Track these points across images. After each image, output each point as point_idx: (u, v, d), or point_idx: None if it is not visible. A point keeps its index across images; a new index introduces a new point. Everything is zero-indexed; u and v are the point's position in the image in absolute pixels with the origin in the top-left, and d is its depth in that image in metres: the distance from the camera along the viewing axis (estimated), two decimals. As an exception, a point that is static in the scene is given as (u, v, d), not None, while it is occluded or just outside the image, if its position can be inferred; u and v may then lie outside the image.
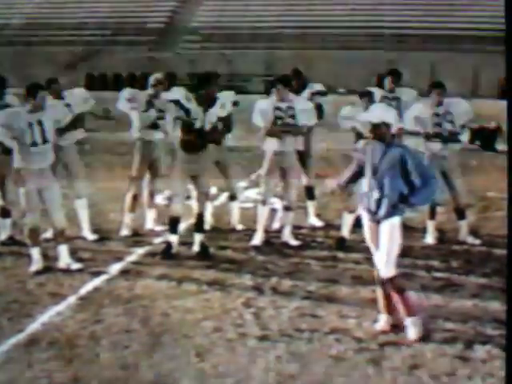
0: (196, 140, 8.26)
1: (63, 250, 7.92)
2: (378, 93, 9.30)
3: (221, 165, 9.37)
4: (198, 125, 8.19)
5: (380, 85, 9.72)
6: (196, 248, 8.37)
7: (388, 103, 9.26)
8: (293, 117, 8.61)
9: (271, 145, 8.70)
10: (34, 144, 7.56)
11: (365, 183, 6.16)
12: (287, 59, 24.64)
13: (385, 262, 6.05)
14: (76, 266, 7.89)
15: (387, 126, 6.06)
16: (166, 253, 8.29)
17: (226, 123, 9.10)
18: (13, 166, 7.72)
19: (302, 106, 8.75)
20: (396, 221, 6.04)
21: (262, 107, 8.66)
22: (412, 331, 6.00)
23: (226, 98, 8.74)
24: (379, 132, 6.06)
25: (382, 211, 6.03)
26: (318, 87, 9.70)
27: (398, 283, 6.11)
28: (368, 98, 8.68)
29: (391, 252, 6.04)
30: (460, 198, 8.81)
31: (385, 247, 6.04)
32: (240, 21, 32.05)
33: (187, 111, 8.18)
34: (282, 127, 8.58)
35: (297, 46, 29.37)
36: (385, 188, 5.99)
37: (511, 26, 4.18)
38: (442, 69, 26.00)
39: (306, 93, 9.48)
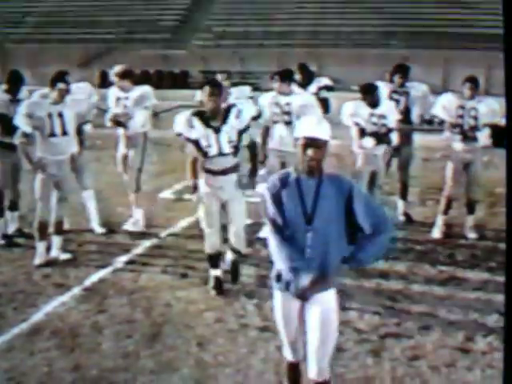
0: (217, 170, 6.70)
1: (56, 241, 8.00)
2: (387, 88, 9.26)
3: None
4: (212, 152, 6.59)
5: (392, 81, 9.68)
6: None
7: (397, 98, 9.26)
8: (288, 114, 8.38)
9: (271, 142, 8.67)
10: (53, 135, 7.69)
11: (287, 240, 4.13)
12: (300, 56, 24.55)
13: (319, 357, 4.25)
14: (64, 256, 8.00)
15: (324, 146, 4.12)
16: (218, 287, 7.00)
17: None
18: (35, 155, 7.81)
19: (302, 101, 8.44)
20: (333, 292, 4.28)
21: (262, 103, 8.54)
22: None
23: (241, 102, 7.42)
24: (318, 155, 4.08)
25: (317, 278, 4.15)
26: (325, 81, 9.68)
27: None
28: (372, 92, 8.45)
29: (329, 340, 4.27)
30: (475, 193, 8.83)
31: (319, 334, 4.22)
32: (253, 19, 32.04)
33: (195, 142, 6.62)
34: (277, 124, 8.42)
35: (309, 43, 29.37)
36: (327, 243, 4.09)
37: (510, 26, 4.16)
38: (455, 66, 25.89)
39: (313, 87, 9.48)
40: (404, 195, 9.52)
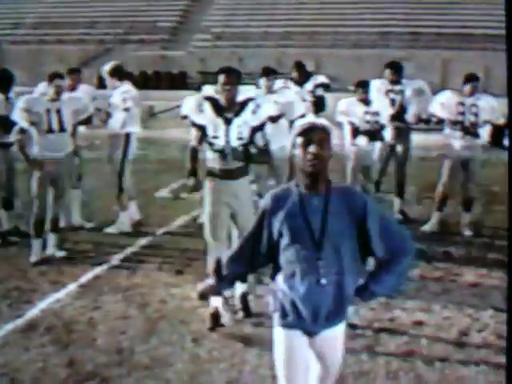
0: (221, 168, 5.90)
1: (52, 239, 8.01)
2: (384, 86, 9.24)
3: None
4: (219, 144, 5.83)
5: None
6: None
7: (393, 97, 9.24)
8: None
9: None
10: (51, 131, 7.71)
11: (291, 267, 3.51)
12: (298, 57, 24.55)
13: None
14: (60, 253, 8.00)
15: (327, 141, 3.47)
16: (214, 322, 6.03)
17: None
18: (31, 153, 7.82)
19: (287, 98, 8.47)
20: (343, 326, 3.68)
21: None
22: None
23: (261, 98, 6.62)
24: (321, 152, 3.41)
25: (331, 311, 3.54)
26: (322, 79, 9.70)
27: None
28: (363, 87, 8.52)
29: (334, 373, 3.80)
30: (471, 190, 8.84)
31: (327, 372, 3.75)
32: (251, 19, 32.08)
33: (201, 128, 5.89)
34: None
35: (307, 44, 29.38)
36: (342, 271, 3.47)
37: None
38: (454, 66, 25.90)
39: (310, 84, 9.49)
40: (401, 193, 9.51)
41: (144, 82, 27.07)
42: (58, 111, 7.72)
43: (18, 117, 7.67)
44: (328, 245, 3.43)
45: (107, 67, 8.85)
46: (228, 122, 5.78)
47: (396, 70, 9.24)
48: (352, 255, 3.49)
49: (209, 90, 8.76)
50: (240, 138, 5.78)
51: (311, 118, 3.65)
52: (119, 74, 8.81)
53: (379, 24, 29.82)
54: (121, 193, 8.91)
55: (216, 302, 5.99)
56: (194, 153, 6.12)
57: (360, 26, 30.05)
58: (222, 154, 5.81)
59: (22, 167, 8.98)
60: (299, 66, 9.81)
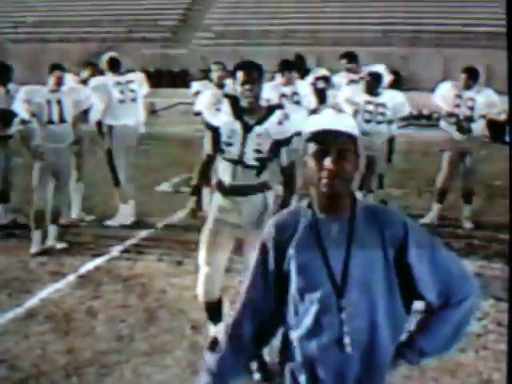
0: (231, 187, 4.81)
1: (52, 231, 8.00)
2: (345, 78, 9.31)
3: None
4: (231, 155, 4.73)
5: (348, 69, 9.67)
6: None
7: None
8: (298, 103, 8.27)
9: None
10: (51, 122, 7.71)
11: (301, 323, 2.54)
12: (300, 55, 24.50)
13: None
14: (61, 245, 7.98)
15: (351, 152, 2.49)
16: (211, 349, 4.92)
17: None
18: (33, 144, 7.87)
19: (306, 90, 8.52)
20: None
21: (268, 96, 7.64)
22: None
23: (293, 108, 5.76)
24: (341, 167, 2.43)
25: (360, 381, 2.52)
26: (323, 72, 9.69)
27: None
28: (374, 77, 8.24)
29: None
30: (471, 183, 8.83)
31: None
32: (253, 17, 32.06)
33: (213, 129, 4.78)
34: None
35: (309, 42, 29.36)
36: (371, 323, 2.49)
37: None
38: (456, 65, 25.86)
39: (310, 77, 9.48)
40: (380, 184, 9.27)
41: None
42: (59, 102, 7.72)
43: (19, 108, 7.69)
44: (354, 289, 2.47)
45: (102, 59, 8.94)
46: (247, 128, 4.67)
47: (350, 59, 9.27)
48: (389, 302, 2.50)
49: (198, 86, 8.77)
50: (258, 151, 4.68)
51: (330, 115, 2.57)
52: (113, 65, 8.85)
53: (381, 22, 29.80)
54: (117, 185, 8.88)
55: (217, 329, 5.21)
56: (206, 166, 5.04)
57: (362, 24, 30.04)
58: (234, 164, 4.76)
59: (20, 162, 9.04)
60: (299, 59, 9.81)
